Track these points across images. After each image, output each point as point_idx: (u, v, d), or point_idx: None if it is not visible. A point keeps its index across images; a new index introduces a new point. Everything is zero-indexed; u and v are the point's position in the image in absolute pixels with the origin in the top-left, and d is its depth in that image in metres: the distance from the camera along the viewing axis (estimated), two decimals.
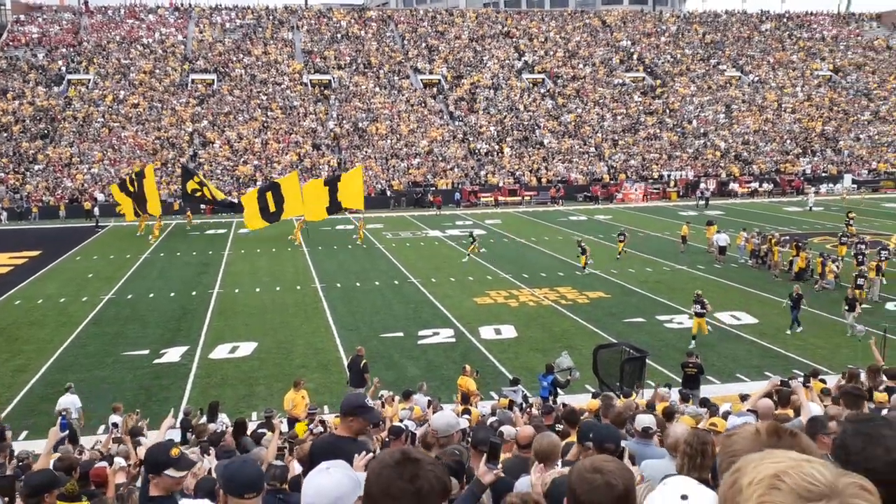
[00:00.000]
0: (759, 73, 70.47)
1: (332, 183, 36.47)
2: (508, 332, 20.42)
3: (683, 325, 20.37)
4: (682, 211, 44.72)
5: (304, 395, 13.76)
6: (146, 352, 19.11)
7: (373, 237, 36.95)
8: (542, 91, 65.28)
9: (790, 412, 8.83)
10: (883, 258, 24.63)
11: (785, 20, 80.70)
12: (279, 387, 15.86)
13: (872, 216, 40.78)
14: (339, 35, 69.71)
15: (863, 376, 11.99)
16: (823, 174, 56.25)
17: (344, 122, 58.22)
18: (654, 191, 52.73)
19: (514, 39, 72.37)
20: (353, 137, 56.51)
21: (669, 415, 9.81)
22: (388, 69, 65.53)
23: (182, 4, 72.09)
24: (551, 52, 70.55)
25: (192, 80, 60.52)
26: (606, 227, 39.19)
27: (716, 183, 53.40)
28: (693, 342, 18.57)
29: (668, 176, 54.65)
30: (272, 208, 35.22)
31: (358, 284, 26.56)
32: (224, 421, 11.99)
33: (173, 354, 18.94)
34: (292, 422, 12.71)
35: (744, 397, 12.40)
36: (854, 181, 55.33)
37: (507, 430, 5.95)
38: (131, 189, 38.59)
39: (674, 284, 25.84)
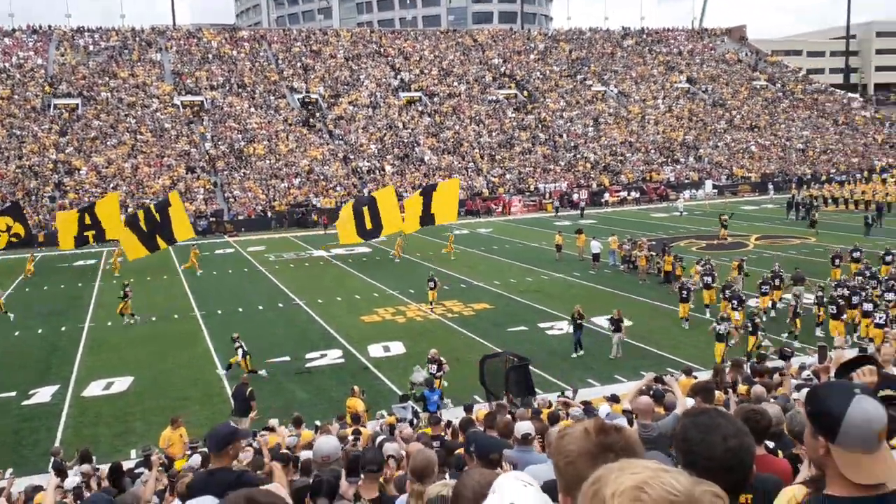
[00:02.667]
0: (623, 87, 74.20)
1: (427, 194, 35.57)
2: (397, 348, 20.50)
3: (564, 331, 21.09)
4: (558, 221, 46.32)
5: (182, 433, 13.11)
6: (13, 394, 17.89)
7: (254, 260, 36.13)
8: (420, 109, 66.06)
9: (661, 410, 9.38)
10: (743, 258, 26.48)
11: (645, 36, 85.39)
12: (158, 421, 15.23)
13: (735, 219, 43.61)
14: (210, 55, 67.93)
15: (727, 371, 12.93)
16: (686, 181, 59.74)
17: (219, 143, 56.71)
18: (531, 203, 54.37)
19: (389, 58, 72.92)
20: (230, 159, 55.14)
21: (554, 419, 10.18)
22: (264, 89, 64.48)
23: (41, 27, 68.05)
24: (426, 71, 71.56)
25: (55, 106, 57.25)
26: (488, 239, 40.06)
27: (588, 193, 55.66)
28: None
29: (544, 188, 56.49)
30: (369, 225, 33.77)
31: (240, 310, 25.91)
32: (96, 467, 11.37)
33: (43, 394, 17.82)
34: (171, 461, 12.20)
35: (613, 398, 12.93)
36: (714, 186, 59.08)
37: (390, 447, 6.03)
38: (143, 225, 34.25)
39: (553, 292, 26.75)
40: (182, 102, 60.86)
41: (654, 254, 29.05)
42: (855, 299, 19.80)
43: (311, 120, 61.47)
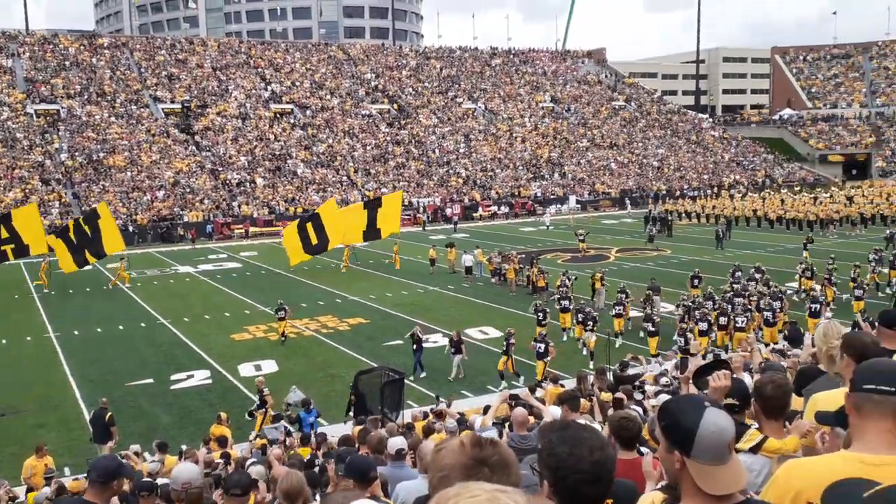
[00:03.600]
0: (492, 105, 76.27)
1: (372, 208, 35.17)
2: (269, 366, 20.03)
3: (439, 343, 21.32)
4: (433, 235, 46.85)
5: (47, 462, 12.32)
6: None
7: (114, 276, 34.27)
8: (292, 121, 65.09)
9: (532, 420, 9.68)
10: (603, 270, 27.74)
11: (511, 56, 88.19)
12: (10, 452, 14.16)
13: (596, 233, 45.65)
14: (67, 62, 64.00)
15: (591, 378, 13.50)
16: (552, 196, 62.03)
17: (77, 154, 53.50)
18: (406, 217, 54.67)
19: (259, 69, 71.46)
20: (88, 170, 52.13)
21: (428, 432, 10.28)
22: (125, 98, 61.48)
23: None
24: (298, 83, 70.67)
25: None
26: (364, 253, 39.85)
27: (461, 208, 56.68)
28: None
29: (418, 202, 57.02)
30: (314, 240, 32.83)
31: (99, 330, 24.50)
32: None
33: None
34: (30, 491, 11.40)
35: (487, 409, 13.23)
36: (578, 202, 61.69)
37: (256, 470, 5.91)
38: (73, 237, 31.98)
39: (428, 305, 27.05)
40: (36, 111, 57.02)
41: (523, 266, 29.96)
42: (723, 319, 20.46)
43: (175, 130, 59.18)
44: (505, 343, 18.42)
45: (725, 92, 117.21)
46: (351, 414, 14.82)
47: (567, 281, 25.68)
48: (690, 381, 3.63)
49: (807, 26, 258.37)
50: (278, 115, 65.19)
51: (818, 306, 21.09)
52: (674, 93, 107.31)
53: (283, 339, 22.23)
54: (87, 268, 33.68)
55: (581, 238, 38.32)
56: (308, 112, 66.78)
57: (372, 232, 36.00)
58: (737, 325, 19.95)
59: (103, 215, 32.88)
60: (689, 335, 19.11)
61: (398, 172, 61.18)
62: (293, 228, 34.60)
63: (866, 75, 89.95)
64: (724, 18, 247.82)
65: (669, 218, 47.31)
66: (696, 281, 25.89)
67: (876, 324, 4.58)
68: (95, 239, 31.86)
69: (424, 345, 20.10)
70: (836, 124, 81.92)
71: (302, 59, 75.44)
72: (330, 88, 71.24)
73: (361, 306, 27.09)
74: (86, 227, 31.96)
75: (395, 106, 71.67)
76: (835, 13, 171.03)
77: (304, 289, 30.92)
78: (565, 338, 21.46)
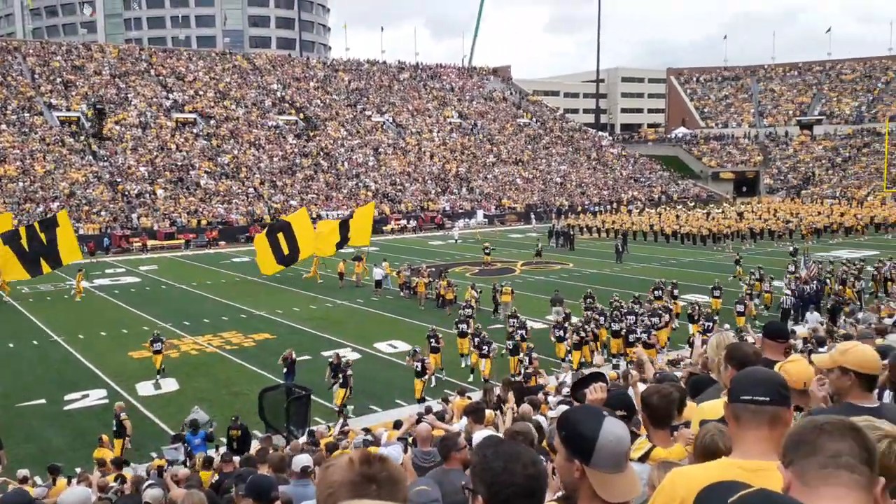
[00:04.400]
0: (401, 120, 76.66)
1: (344, 223, 34.67)
2: (169, 385, 19.47)
3: (346, 358, 21.23)
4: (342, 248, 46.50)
5: None
6: None
7: (2, 291, 32.47)
8: (195, 131, 63.46)
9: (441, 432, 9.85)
10: (504, 284, 28.28)
11: (419, 71, 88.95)
12: None
13: (502, 246, 46.52)
14: None
15: (498, 389, 13.80)
16: (460, 211, 62.80)
17: None
18: None
19: (160, 77, 69.39)
20: None
21: (332, 449, 10.32)
22: (17, 105, 58.47)
23: None
24: (202, 93, 69.02)
25: None
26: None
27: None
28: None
29: (327, 216, 56.54)
30: (286, 251, 31.76)
31: None
32: None
33: None
34: None
35: (397, 425, 13.30)
36: (485, 216, 62.69)
37: (152, 493, 5.83)
38: (25, 244, 30.62)
39: (337, 319, 26.89)
40: None
41: (432, 279, 30.22)
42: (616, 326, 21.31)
43: (71, 139, 56.67)
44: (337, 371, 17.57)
45: (624, 111, 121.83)
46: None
47: (476, 294, 26.15)
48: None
49: (700, 48, 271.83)
50: (180, 125, 63.43)
51: (711, 323, 21.99)
52: (575, 111, 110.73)
53: (161, 371, 20.17)
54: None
55: (487, 252, 39.04)
56: (212, 122, 65.26)
57: (343, 241, 35.71)
58: (638, 338, 20.59)
59: (62, 224, 31.67)
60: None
61: (306, 185, 60.58)
62: (263, 237, 33.99)
63: (754, 97, 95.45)
64: (623, 40, 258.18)
65: (571, 232, 48.73)
66: (588, 300, 25.34)
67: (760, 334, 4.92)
68: (52, 247, 30.72)
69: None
70: (727, 143, 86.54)
71: (206, 67, 73.73)
72: (235, 98, 69.89)
73: (267, 321, 26.68)
74: (41, 235, 30.75)
75: (303, 117, 71.01)
76: (725, 37, 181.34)
77: (207, 304, 30.17)
78: (463, 364, 20.76)
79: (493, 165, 73.11)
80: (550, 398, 12.28)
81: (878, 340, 10.31)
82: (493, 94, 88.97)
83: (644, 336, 20.32)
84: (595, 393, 3.97)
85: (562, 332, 21.01)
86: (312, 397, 15.94)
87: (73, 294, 31.48)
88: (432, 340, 19.88)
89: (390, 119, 76.20)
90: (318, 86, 77.86)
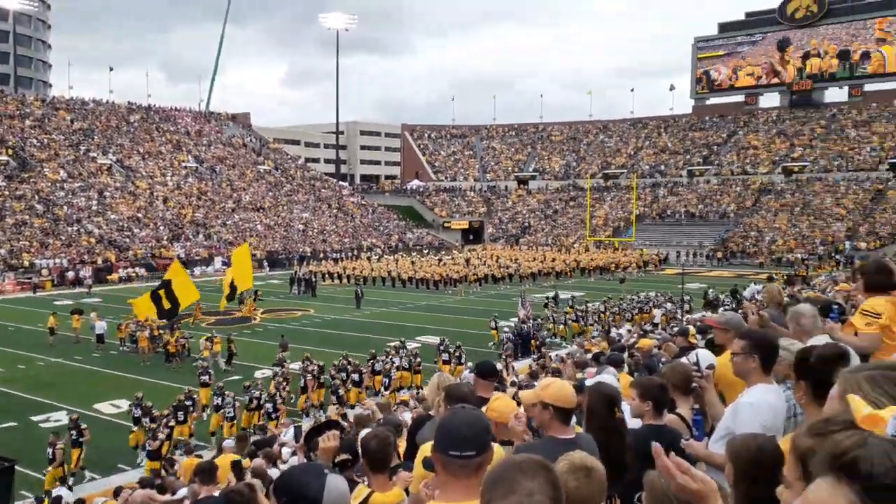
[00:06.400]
0: (131, 162, 72.29)
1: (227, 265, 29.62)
2: None
3: (62, 421, 19.51)
4: (58, 300, 42.51)
5: None
6: None
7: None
8: None
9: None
10: (231, 335, 27.97)
11: (152, 113, 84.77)
12: None
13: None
14: None
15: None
16: (197, 258, 60.39)
17: None
18: (26, 280, 48.87)
19: None
20: None
21: None
22: None
23: None
24: None
25: None
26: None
27: (93, 269, 52.36)
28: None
29: (41, 264, 51.38)
30: (167, 305, 27.85)
31: None
32: None
33: None
34: None
35: (117, 492, 12.44)
36: (224, 263, 60.83)
37: None
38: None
39: (49, 380, 24.47)
40: None
41: (161, 332, 28.76)
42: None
43: None
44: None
45: (363, 162, 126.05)
46: None
47: (210, 344, 25.42)
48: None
49: (432, 107, 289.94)
50: None
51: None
52: (317, 160, 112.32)
53: None
54: None
55: (256, 299, 38.27)
56: None
57: (232, 292, 32.58)
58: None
59: (176, 274, 28.83)
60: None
61: (17, 231, 54.55)
62: (146, 299, 28.87)
63: (478, 153, 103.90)
64: (361, 94, 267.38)
65: (314, 279, 49.14)
66: (283, 349, 25.70)
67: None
68: (172, 298, 27.78)
69: (44, 425, 18.25)
70: (456, 195, 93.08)
71: None
72: None
73: None
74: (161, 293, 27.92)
75: (15, 157, 64.07)
76: (453, 99, 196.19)
77: None
78: (205, 417, 20.00)
79: (232, 211, 71.45)
80: (284, 449, 12.27)
81: (578, 374, 11.99)
82: (232, 140, 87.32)
83: (386, 381, 21.48)
84: (328, 441, 4.03)
85: (302, 383, 21.16)
86: (20, 468, 14.49)
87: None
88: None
89: (118, 161, 71.47)
90: (35, 124, 70.91)
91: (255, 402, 19.26)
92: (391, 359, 23.14)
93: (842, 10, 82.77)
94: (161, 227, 63.44)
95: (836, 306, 5.97)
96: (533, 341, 27.54)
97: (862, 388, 1.44)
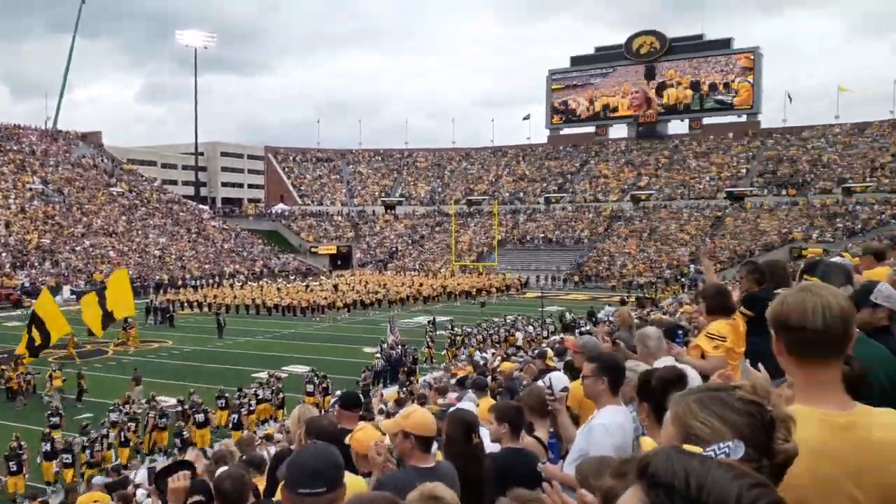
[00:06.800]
0: None
1: (101, 293, 29.13)
2: None
3: None
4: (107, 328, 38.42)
5: None
6: None
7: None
8: None
9: None
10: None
11: None
12: None
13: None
14: None
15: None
16: (42, 286, 56.33)
17: None
18: None
19: None
20: None
21: None
22: None
23: None
24: None
25: None
26: None
27: None
28: None
29: None
30: (38, 341, 26.09)
31: None
32: None
33: None
34: None
35: None
36: (73, 292, 57.11)
37: None
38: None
39: None
40: None
41: (3, 368, 26.69)
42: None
43: None
44: None
45: (225, 185, 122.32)
46: None
47: (62, 380, 23.91)
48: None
49: (296, 128, 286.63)
50: None
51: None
52: (174, 182, 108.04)
53: None
54: None
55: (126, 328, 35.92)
56: None
57: (107, 317, 30.01)
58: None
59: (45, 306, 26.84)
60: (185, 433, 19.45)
61: None
62: (23, 341, 26.41)
63: (345, 178, 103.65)
64: (222, 114, 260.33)
65: (171, 308, 47.13)
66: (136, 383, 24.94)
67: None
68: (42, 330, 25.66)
69: None
70: (323, 220, 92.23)
71: None
72: None
73: None
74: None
75: None
76: (318, 121, 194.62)
77: None
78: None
79: (82, 237, 67.32)
80: (139, 491, 11.85)
81: (440, 400, 12.23)
82: (81, 161, 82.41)
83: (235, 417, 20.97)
84: (177, 482, 3.97)
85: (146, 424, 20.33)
86: None
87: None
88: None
89: None
90: None
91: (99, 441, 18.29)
92: (255, 392, 22.51)
93: (683, 48, 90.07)
94: (3, 254, 58.86)
95: (680, 330, 6.57)
96: (402, 368, 27.70)
97: (692, 409, 1.53)
